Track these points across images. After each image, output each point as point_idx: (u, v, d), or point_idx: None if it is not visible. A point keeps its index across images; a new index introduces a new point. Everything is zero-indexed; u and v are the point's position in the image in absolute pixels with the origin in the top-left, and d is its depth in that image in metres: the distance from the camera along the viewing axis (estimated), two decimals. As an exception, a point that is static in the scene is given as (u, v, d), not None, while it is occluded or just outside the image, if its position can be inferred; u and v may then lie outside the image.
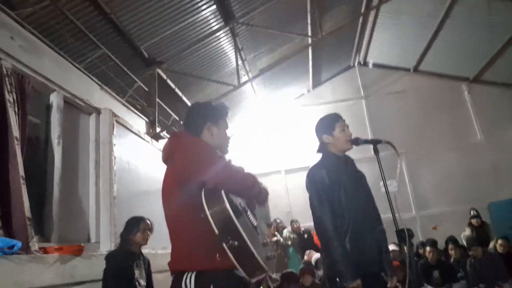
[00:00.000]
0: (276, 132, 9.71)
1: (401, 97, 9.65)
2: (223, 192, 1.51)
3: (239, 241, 1.45)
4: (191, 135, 1.83)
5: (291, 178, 9.13)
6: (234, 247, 1.45)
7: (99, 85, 4.17)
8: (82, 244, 3.16)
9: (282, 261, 6.30)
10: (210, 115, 1.88)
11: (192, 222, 1.55)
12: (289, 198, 9.00)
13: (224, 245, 1.45)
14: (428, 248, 6.30)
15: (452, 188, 8.75)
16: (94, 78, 4.11)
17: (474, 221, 7.05)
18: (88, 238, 3.70)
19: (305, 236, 6.93)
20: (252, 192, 1.67)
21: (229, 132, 1.96)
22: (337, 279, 1.96)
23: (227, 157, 1.86)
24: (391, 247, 6.57)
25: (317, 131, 2.34)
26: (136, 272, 3.03)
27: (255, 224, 1.67)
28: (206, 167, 1.57)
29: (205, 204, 1.49)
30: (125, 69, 5.15)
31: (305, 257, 6.27)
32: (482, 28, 7.56)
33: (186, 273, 1.58)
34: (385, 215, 2.18)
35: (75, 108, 3.83)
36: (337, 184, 2.11)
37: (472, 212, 7.18)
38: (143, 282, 3.08)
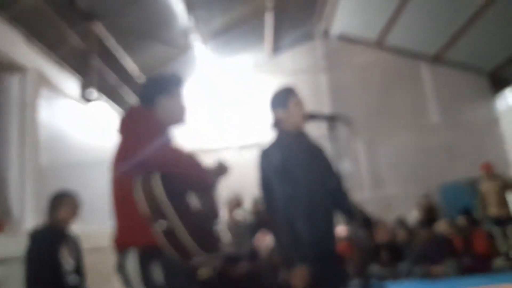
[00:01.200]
0: (230, 103, 9.64)
1: (364, 72, 9.92)
2: (159, 174, 1.60)
3: (172, 223, 1.55)
4: (143, 110, 1.91)
5: (244, 154, 9.17)
6: (166, 230, 1.55)
7: (25, 39, 3.88)
8: (1, 220, 3.01)
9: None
10: (162, 87, 1.94)
11: (133, 199, 1.62)
12: (241, 176, 9.06)
13: (156, 227, 1.54)
14: (377, 229, 6.74)
15: (406, 168, 9.29)
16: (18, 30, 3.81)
17: (423, 204, 7.59)
18: (10, 212, 3.53)
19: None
20: (193, 180, 1.76)
21: (185, 101, 2.01)
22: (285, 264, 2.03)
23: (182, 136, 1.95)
24: (342, 227, 6.97)
25: (271, 105, 2.34)
26: (63, 252, 2.96)
27: (199, 207, 1.75)
28: (147, 148, 1.63)
29: (139, 185, 1.59)
30: (57, 20, 4.80)
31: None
32: (447, 4, 7.90)
33: (131, 250, 1.66)
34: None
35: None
36: (291, 163, 2.12)
37: (422, 196, 7.72)
38: (71, 262, 3.02)
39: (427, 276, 5.96)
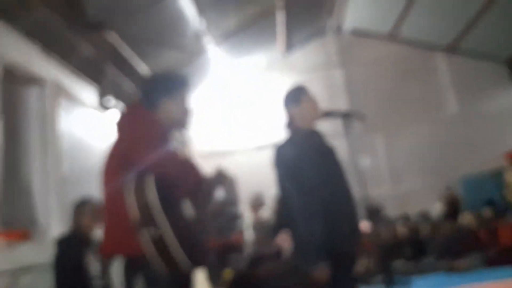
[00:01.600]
0: (246, 104, 9.64)
1: (378, 65, 9.80)
2: (151, 179, 1.54)
3: (161, 233, 1.48)
4: (144, 111, 1.83)
5: (261, 155, 9.18)
6: (155, 238, 1.48)
7: (42, 52, 3.98)
8: (28, 230, 3.10)
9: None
10: (166, 88, 1.87)
11: (123, 205, 1.56)
12: (260, 176, 9.08)
13: (145, 233, 1.48)
14: (399, 224, 6.70)
15: (426, 161, 9.15)
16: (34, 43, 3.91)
17: (446, 197, 7.47)
18: (36, 221, 3.63)
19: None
20: (190, 187, 1.70)
21: (190, 104, 1.95)
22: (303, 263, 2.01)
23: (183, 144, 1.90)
24: (363, 223, 6.93)
25: (284, 104, 2.35)
26: (89, 257, 3.03)
27: (191, 215, 1.69)
28: (144, 150, 1.58)
29: (132, 187, 1.53)
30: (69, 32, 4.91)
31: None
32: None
33: (116, 259, 1.65)
34: (356, 192, 2.27)
35: (14, 78, 3.66)
36: (304, 162, 2.12)
37: (446, 189, 7.60)
38: (97, 267, 3.09)
39: (452, 270, 5.87)
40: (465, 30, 8.85)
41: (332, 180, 2.19)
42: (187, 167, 1.73)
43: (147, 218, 1.48)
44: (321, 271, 1.93)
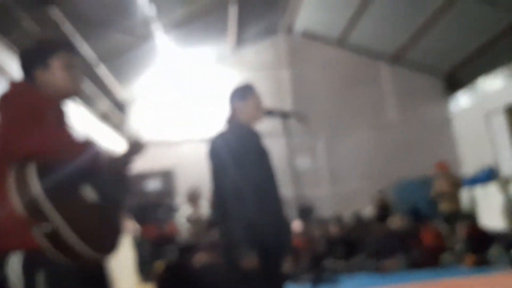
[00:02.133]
0: (191, 96, 9.56)
1: (325, 69, 10.09)
2: (34, 165, 1.37)
3: (54, 227, 1.34)
4: (25, 87, 1.63)
5: (204, 148, 9.12)
6: (48, 234, 1.34)
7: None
8: None
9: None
10: (36, 57, 1.64)
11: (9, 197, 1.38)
12: (200, 170, 9.03)
13: (36, 230, 1.34)
14: (333, 223, 6.99)
15: (364, 164, 9.58)
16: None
17: (377, 200, 7.89)
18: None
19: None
20: (86, 168, 1.48)
21: (72, 68, 1.70)
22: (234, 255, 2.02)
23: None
24: (296, 223, 7.15)
25: (230, 99, 2.38)
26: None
27: (92, 200, 1.52)
28: (21, 130, 1.40)
29: (11, 181, 1.34)
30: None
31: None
32: (408, 5, 8.20)
33: (12, 254, 1.45)
34: (289, 192, 2.34)
35: None
36: (240, 155, 2.15)
37: (377, 192, 8.01)
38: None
39: (379, 270, 6.21)
40: (410, 42, 9.36)
41: (262, 178, 2.24)
42: (77, 147, 1.49)
43: (36, 214, 1.32)
44: (250, 260, 1.97)
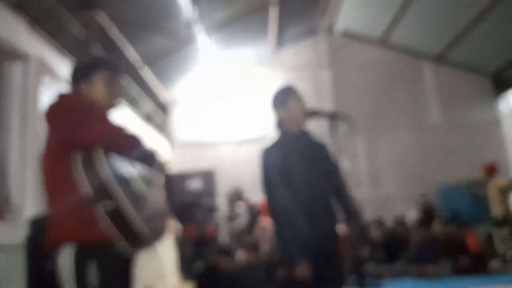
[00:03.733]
0: (232, 97, 9.65)
1: (366, 69, 9.93)
2: (101, 152, 1.51)
3: (118, 204, 1.44)
4: (79, 95, 1.83)
5: (243, 149, 9.23)
6: (111, 211, 1.43)
7: (27, 26, 3.88)
8: (2, 209, 3.04)
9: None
10: (81, 74, 1.86)
11: (69, 189, 1.50)
12: (239, 170, 9.13)
13: (101, 208, 1.43)
14: (374, 227, 6.82)
15: (404, 167, 9.34)
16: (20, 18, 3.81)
17: (421, 204, 7.63)
18: (10, 201, 3.56)
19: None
20: (134, 153, 1.64)
21: (111, 84, 1.89)
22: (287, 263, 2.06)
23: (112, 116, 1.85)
24: (342, 225, 7.03)
25: (272, 106, 2.38)
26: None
27: (144, 191, 1.64)
28: (84, 124, 1.56)
29: (80, 164, 1.48)
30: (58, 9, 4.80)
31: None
32: (452, 4, 7.91)
33: (65, 247, 1.53)
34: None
35: (-2, 52, 3.56)
36: (290, 163, 2.16)
37: (421, 196, 7.76)
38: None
39: (422, 275, 6.02)
40: (454, 41, 9.03)
41: (322, 178, 2.23)
42: (129, 138, 1.66)
43: (100, 192, 1.43)
44: (303, 268, 1.99)
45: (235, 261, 4.91)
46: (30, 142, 3.70)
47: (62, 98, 1.76)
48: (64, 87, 4.23)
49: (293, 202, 2.12)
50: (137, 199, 1.57)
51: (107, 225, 1.44)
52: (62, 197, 1.56)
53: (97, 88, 1.83)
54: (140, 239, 1.53)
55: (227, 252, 4.70)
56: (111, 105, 1.89)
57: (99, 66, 1.89)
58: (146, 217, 1.57)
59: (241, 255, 5.00)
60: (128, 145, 1.63)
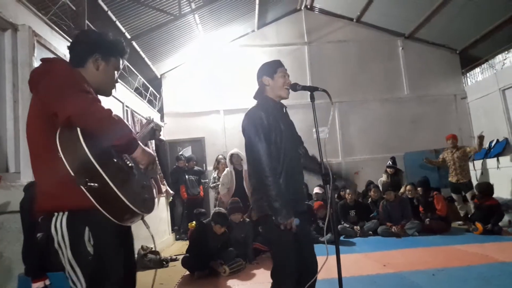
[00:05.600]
0: (217, 70, 9.47)
1: (342, 46, 9.85)
2: (78, 130, 1.38)
3: (100, 182, 1.36)
4: (67, 64, 1.60)
5: (229, 118, 9.16)
6: (94, 189, 1.36)
7: (17, -3, 3.63)
8: (-1, 174, 2.93)
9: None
10: (103, 46, 1.66)
11: (54, 160, 1.37)
12: (226, 139, 9.10)
13: (82, 187, 1.34)
14: (347, 190, 6.91)
15: (375, 137, 9.45)
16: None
17: (389, 170, 7.75)
18: (7, 168, 3.45)
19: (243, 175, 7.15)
20: (113, 135, 1.45)
21: (117, 74, 1.75)
22: (273, 217, 2.04)
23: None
24: (316, 189, 7.12)
25: (259, 74, 2.36)
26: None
27: (130, 164, 1.56)
28: (64, 98, 1.39)
29: (58, 142, 1.36)
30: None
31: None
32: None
33: (55, 215, 1.46)
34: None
35: (-14, 21, 3.33)
36: (273, 127, 2.16)
37: (389, 162, 7.88)
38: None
39: (391, 234, 6.16)
40: (425, 20, 8.94)
41: (293, 149, 2.27)
42: (111, 119, 1.46)
43: (83, 171, 1.34)
44: (290, 223, 2.03)
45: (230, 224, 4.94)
46: (22, 110, 3.53)
47: (45, 63, 1.57)
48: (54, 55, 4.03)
49: (275, 161, 2.12)
50: (123, 173, 1.50)
51: (91, 202, 1.37)
52: (48, 166, 1.45)
53: (109, 70, 1.69)
54: (129, 214, 1.47)
55: (223, 217, 4.70)
56: (110, 91, 1.75)
57: (122, 51, 1.74)
58: (134, 191, 1.50)
59: (236, 215, 5.04)
60: (106, 128, 1.43)
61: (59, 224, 1.45)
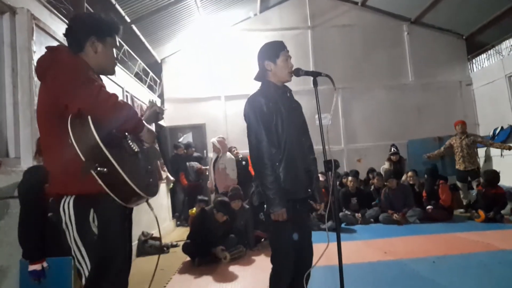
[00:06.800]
0: (219, 55, 9.39)
1: (346, 31, 9.73)
2: (89, 118, 1.44)
3: (109, 167, 1.44)
4: (69, 51, 1.66)
5: (230, 104, 9.13)
6: (103, 174, 1.44)
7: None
8: (-1, 160, 2.95)
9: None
10: (97, 28, 1.69)
11: (64, 146, 1.46)
12: (227, 125, 9.09)
13: (92, 172, 1.43)
14: (349, 178, 6.92)
15: (379, 124, 9.42)
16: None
17: (393, 157, 7.74)
18: (7, 153, 3.46)
19: (243, 163, 7.17)
20: (121, 119, 1.53)
21: (115, 51, 1.80)
22: (265, 205, 2.07)
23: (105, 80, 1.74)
24: (320, 175, 7.13)
25: (260, 57, 2.28)
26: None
27: (136, 149, 1.62)
28: (73, 90, 1.45)
29: (70, 130, 1.44)
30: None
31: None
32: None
33: (64, 197, 1.55)
34: (317, 146, 2.30)
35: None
36: (274, 113, 2.13)
37: (392, 149, 7.87)
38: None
39: (392, 222, 6.20)
40: (431, 5, 8.81)
41: (296, 134, 2.22)
42: (120, 106, 1.52)
43: (92, 157, 1.42)
44: (281, 214, 2.03)
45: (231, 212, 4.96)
46: (23, 96, 3.53)
47: (50, 52, 1.62)
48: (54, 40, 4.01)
49: (276, 154, 2.10)
50: (129, 158, 1.57)
51: (100, 186, 1.46)
52: (58, 152, 1.53)
53: (107, 50, 1.72)
54: (135, 197, 1.54)
55: (225, 205, 4.73)
56: (111, 70, 1.79)
57: (116, 29, 1.77)
58: (140, 175, 1.58)
59: (234, 204, 5.06)
60: (115, 113, 1.50)
61: (67, 206, 1.54)
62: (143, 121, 1.65)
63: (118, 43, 1.80)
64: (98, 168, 1.43)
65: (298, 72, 2.22)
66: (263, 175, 2.06)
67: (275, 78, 2.25)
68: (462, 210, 6.98)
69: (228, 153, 6.34)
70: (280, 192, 2.04)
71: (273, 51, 2.25)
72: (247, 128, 2.18)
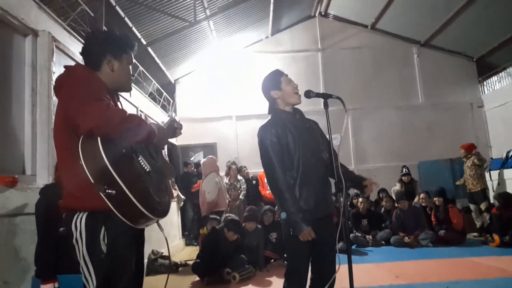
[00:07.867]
0: (231, 76, 9.53)
1: (356, 53, 9.83)
2: (99, 139, 1.43)
3: (117, 189, 1.43)
4: (86, 70, 1.67)
5: (241, 124, 9.20)
6: (112, 196, 1.44)
7: (36, 3, 3.73)
8: (16, 176, 3.00)
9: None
10: (112, 46, 1.70)
11: (78, 165, 1.45)
12: (237, 144, 9.13)
13: (102, 194, 1.43)
14: (360, 199, 6.84)
15: (389, 145, 9.36)
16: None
17: (404, 178, 7.65)
18: (24, 170, 3.52)
19: (253, 182, 7.16)
20: (136, 136, 1.52)
21: (132, 68, 1.80)
22: (291, 230, 2.06)
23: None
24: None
25: (265, 90, 2.33)
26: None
27: (148, 169, 1.60)
28: (83, 107, 1.45)
29: (80, 152, 1.44)
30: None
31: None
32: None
33: (77, 214, 1.55)
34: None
35: (7, 27, 3.43)
36: (284, 137, 2.15)
37: (403, 170, 7.78)
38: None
39: (404, 244, 6.07)
40: (441, 27, 8.86)
41: (310, 153, 2.20)
42: (131, 121, 1.51)
43: (102, 179, 1.42)
44: (307, 233, 2.03)
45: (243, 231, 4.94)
46: (41, 115, 3.62)
47: (66, 70, 1.64)
48: (73, 61, 4.13)
49: (291, 175, 2.12)
50: (140, 178, 1.55)
51: (109, 207, 1.46)
52: (73, 171, 1.53)
53: (123, 68, 1.73)
54: (143, 219, 1.54)
55: (236, 224, 4.71)
56: (128, 87, 1.79)
57: (131, 46, 1.77)
58: (150, 196, 1.56)
59: (249, 225, 5.03)
60: (125, 128, 1.48)
61: (79, 222, 1.54)
62: (155, 131, 1.63)
63: (133, 58, 1.81)
64: (107, 190, 1.43)
65: (309, 94, 2.24)
66: (282, 200, 2.08)
67: (284, 104, 2.29)
68: (475, 234, 6.80)
69: (211, 174, 6.17)
70: (302, 212, 2.05)
71: (275, 79, 2.30)
72: (260, 157, 2.21)
